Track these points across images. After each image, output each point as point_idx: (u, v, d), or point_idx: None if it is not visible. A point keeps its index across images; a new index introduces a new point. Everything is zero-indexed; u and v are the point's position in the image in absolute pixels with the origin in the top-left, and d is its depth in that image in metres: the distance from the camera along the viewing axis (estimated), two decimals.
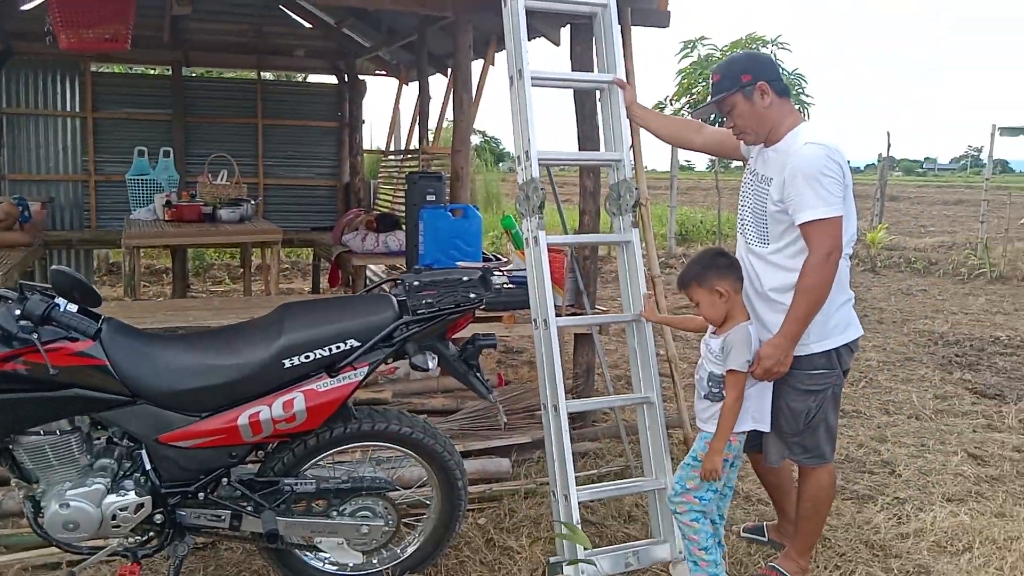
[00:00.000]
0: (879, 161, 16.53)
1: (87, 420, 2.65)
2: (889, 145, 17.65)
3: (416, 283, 2.82)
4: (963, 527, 3.65)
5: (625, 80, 3.58)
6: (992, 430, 5.10)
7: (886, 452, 4.62)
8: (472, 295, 2.83)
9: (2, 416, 2.50)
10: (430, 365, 2.81)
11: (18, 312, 2.43)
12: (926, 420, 5.26)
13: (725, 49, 9.38)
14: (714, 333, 2.96)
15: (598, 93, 3.79)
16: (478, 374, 2.92)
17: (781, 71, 3.11)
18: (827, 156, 2.80)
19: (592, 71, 3.94)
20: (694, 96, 9.46)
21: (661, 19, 4.48)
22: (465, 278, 2.87)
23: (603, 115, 3.73)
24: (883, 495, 4.03)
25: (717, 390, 2.92)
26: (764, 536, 3.53)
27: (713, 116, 3.59)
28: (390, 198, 8.68)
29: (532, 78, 3.37)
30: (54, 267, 2.50)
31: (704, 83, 9.22)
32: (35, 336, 2.42)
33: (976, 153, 76.54)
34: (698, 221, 16.73)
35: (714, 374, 2.94)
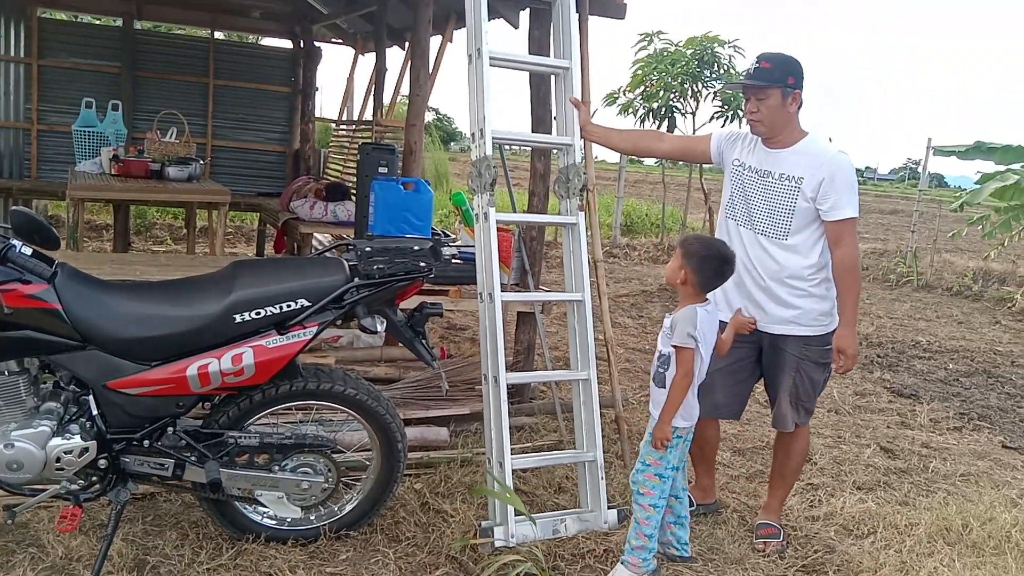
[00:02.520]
0: None
1: (36, 363, 2.68)
2: None
3: (368, 248, 2.91)
4: (869, 513, 3.89)
5: (581, 72, 3.72)
6: (905, 427, 5.40)
7: None
8: (422, 263, 2.93)
9: None
10: (379, 328, 2.91)
11: None
12: (844, 415, 5.53)
13: (680, 45, 9.58)
14: (669, 313, 3.14)
15: (553, 78, 3.91)
16: (424, 341, 3.02)
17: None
18: (853, 166, 3.28)
19: (549, 55, 4.04)
20: (647, 88, 9.63)
21: (618, 11, 4.60)
22: (416, 247, 2.97)
23: (557, 100, 3.85)
24: (798, 481, 4.24)
25: (662, 370, 3.07)
26: (692, 504, 3.69)
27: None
28: (340, 168, 8.67)
29: (490, 58, 3.47)
30: (14, 208, 2.51)
31: (658, 76, 9.40)
32: None
33: (915, 166, 78.53)
34: (643, 214, 17.03)
35: (661, 353, 3.09)
